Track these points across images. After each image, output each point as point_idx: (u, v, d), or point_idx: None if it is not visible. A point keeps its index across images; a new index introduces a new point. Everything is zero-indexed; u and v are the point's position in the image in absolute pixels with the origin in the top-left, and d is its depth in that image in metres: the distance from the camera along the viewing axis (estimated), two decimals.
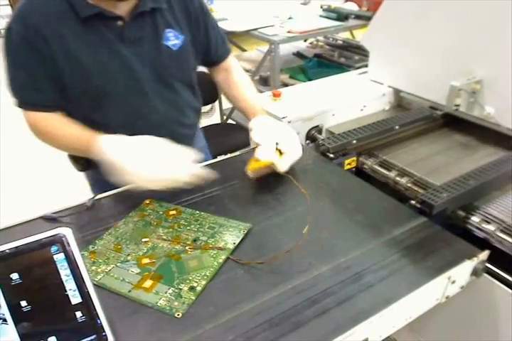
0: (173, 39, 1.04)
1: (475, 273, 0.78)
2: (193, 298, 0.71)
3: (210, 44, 1.16)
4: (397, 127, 1.25)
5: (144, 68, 1.03)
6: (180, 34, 1.05)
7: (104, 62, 0.98)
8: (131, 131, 0.98)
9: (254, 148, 1.02)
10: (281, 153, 0.99)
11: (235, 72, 1.23)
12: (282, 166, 0.98)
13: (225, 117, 3.03)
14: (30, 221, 0.90)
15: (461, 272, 0.76)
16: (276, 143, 0.99)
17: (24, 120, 1.03)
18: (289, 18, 2.66)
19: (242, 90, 1.19)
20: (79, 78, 0.98)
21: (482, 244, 0.85)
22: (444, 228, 0.87)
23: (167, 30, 1.03)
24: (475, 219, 0.93)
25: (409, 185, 1.06)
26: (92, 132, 0.95)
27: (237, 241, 0.82)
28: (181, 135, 1.14)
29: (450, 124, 1.34)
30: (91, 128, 0.98)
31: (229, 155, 1.18)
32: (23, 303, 0.57)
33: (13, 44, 0.94)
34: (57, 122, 1.01)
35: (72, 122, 1.00)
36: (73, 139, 0.98)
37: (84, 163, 1.15)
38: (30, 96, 1.00)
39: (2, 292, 0.57)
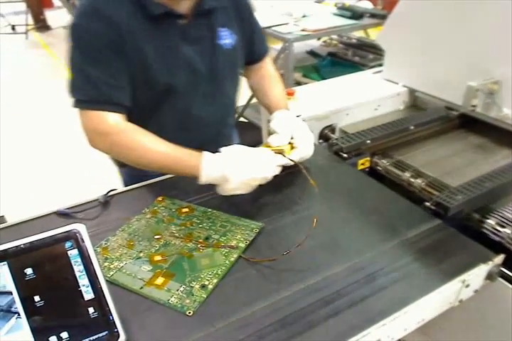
0: (226, 38, 1.05)
1: (489, 277, 0.77)
2: (205, 296, 0.71)
3: (255, 43, 1.16)
4: (412, 127, 1.24)
5: (203, 67, 1.03)
6: (232, 33, 1.06)
7: (169, 60, 0.98)
8: (183, 133, 1.00)
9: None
10: (292, 147, 0.99)
11: (267, 69, 1.23)
12: (291, 156, 0.97)
13: (236, 115, 3.03)
14: (43, 216, 0.91)
15: (476, 276, 0.75)
16: (291, 138, 0.99)
17: (83, 126, 0.94)
18: (303, 16, 2.65)
19: (269, 85, 1.19)
20: (146, 76, 0.96)
21: (497, 247, 0.83)
22: (458, 230, 0.85)
23: (221, 29, 1.04)
24: (490, 222, 0.92)
25: (423, 186, 1.05)
26: (190, 152, 0.90)
27: (249, 240, 0.82)
28: (224, 135, 1.15)
29: (466, 125, 1.32)
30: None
31: None
32: (37, 298, 0.58)
33: (85, 40, 0.91)
34: (139, 134, 0.93)
35: (154, 135, 0.93)
36: (171, 160, 0.91)
37: None
38: (102, 92, 0.92)
39: (16, 287, 0.57)
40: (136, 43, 0.93)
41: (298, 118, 1.07)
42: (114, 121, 0.93)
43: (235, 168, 0.87)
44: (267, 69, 1.23)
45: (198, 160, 0.88)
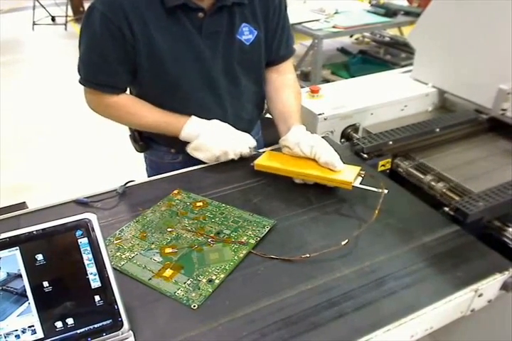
0: (247, 34, 1.05)
1: (505, 287, 0.74)
2: (211, 290, 0.71)
3: (274, 43, 1.13)
4: (437, 129, 1.20)
5: (216, 62, 1.04)
6: (254, 29, 1.05)
7: (180, 53, 0.99)
8: None
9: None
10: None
11: (287, 76, 1.19)
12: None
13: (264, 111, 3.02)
14: (62, 204, 0.94)
15: (490, 285, 0.73)
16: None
17: (85, 97, 1.08)
18: (336, 13, 2.61)
19: (286, 95, 1.15)
20: (154, 66, 1.00)
21: None
22: (477, 238, 0.83)
23: (243, 25, 1.04)
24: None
25: (444, 190, 1.02)
26: (177, 117, 1.06)
27: (259, 237, 0.82)
28: (239, 129, 1.15)
29: (495, 129, 1.27)
30: None
31: (261, 150, 1.17)
32: (45, 284, 0.59)
33: (94, 24, 0.94)
34: (136, 103, 1.07)
35: (149, 104, 1.07)
36: (162, 125, 1.07)
37: (143, 145, 1.21)
38: (100, 77, 1.02)
39: (26, 271, 0.59)
40: (148, 35, 0.95)
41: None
42: (111, 99, 1.05)
43: (211, 140, 1.03)
44: (285, 74, 1.18)
45: (184, 121, 1.05)
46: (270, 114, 1.20)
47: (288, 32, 1.15)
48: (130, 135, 1.22)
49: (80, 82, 1.04)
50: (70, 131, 3.32)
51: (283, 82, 1.18)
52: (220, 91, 1.08)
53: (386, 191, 0.88)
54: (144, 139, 1.19)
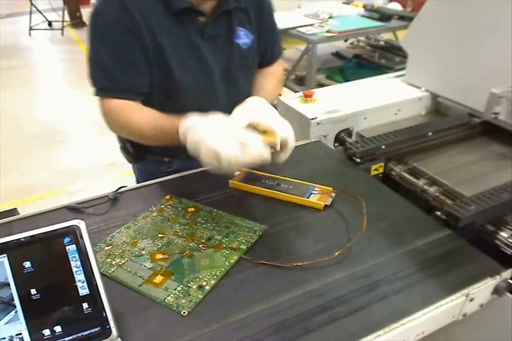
0: (244, 38, 1.06)
1: (496, 291, 0.74)
2: (201, 296, 0.71)
3: (269, 45, 1.15)
4: (430, 133, 1.20)
5: (216, 65, 1.04)
6: (250, 33, 1.07)
7: (184, 56, 0.99)
8: None
9: None
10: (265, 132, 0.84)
11: (273, 69, 1.21)
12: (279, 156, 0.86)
13: None
14: (54, 210, 0.93)
15: (481, 290, 0.72)
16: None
17: (101, 110, 1.00)
18: (330, 18, 2.63)
19: (264, 81, 1.16)
20: (160, 68, 0.99)
21: (510, 260, 0.80)
22: (471, 242, 0.83)
23: (239, 29, 1.05)
24: (504, 234, 0.88)
25: (437, 194, 1.02)
26: (176, 118, 0.89)
27: (250, 242, 0.81)
28: None
29: (488, 133, 1.28)
30: None
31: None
32: (33, 291, 0.59)
33: (105, 28, 0.92)
34: (144, 111, 0.98)
35: (156, 112, 0.97)
36: (161, 132, 0.93)
37: (135, 155, 1.19)
38: (123, 82, 0.96)
39: (14, 279, 0.59)
40: (154, 37, 0.94)
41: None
42: (126, 107, 0.97)
43: (208, 133, 0.81)
44: (273, 69, 1.20)
45: (181, 121, 0.87)
46: None
47: (278, 32, 1.19)
48: (121, 147, 1.20)
49: (94, 93, 0.99)
50: (68, 134, 3.32)
51: (268, 72, 1.19)
52: (220, 96, 1.08)
53: (364, 204, 0.90)
54: (136, 149, 1.18)
